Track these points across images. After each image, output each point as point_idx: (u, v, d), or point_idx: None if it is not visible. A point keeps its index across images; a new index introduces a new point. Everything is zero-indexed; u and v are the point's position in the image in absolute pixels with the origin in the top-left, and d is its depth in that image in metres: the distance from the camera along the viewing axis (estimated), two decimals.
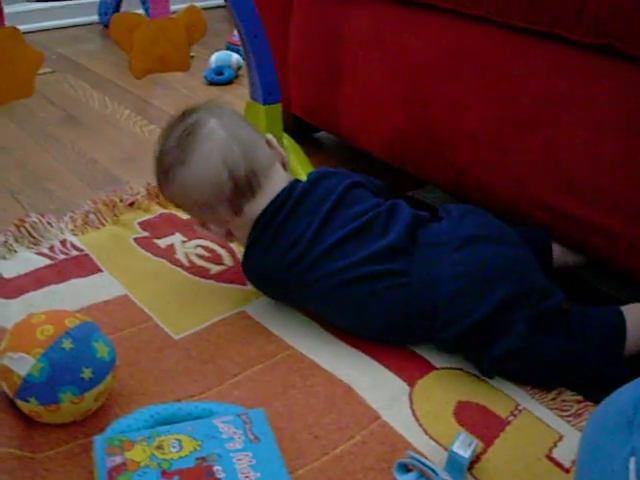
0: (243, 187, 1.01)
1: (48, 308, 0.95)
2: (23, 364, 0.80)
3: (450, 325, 0.95)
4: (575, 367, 0.94)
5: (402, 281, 0.97)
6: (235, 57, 2.21)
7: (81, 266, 1.19)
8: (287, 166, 1.11)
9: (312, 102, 1.55)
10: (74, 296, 1.11)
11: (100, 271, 1.18)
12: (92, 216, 1.32)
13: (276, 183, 1.05)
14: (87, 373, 0.82)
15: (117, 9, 2.70)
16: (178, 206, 1.10)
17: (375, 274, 0.98)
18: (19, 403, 0.83)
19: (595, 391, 0.92)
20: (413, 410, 0.91)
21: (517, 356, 0.94)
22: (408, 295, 0.97)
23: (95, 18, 2.87)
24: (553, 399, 0.94)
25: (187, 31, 1.21)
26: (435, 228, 1.03)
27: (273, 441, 0.80)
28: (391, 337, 1.03)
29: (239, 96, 1.99)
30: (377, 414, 0.90)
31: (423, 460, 0.80)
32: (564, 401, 0.93)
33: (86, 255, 1.23)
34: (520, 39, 1.07)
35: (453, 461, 0.80)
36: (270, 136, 1.10)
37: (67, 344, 0.82)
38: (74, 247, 1.25)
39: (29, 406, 0.82)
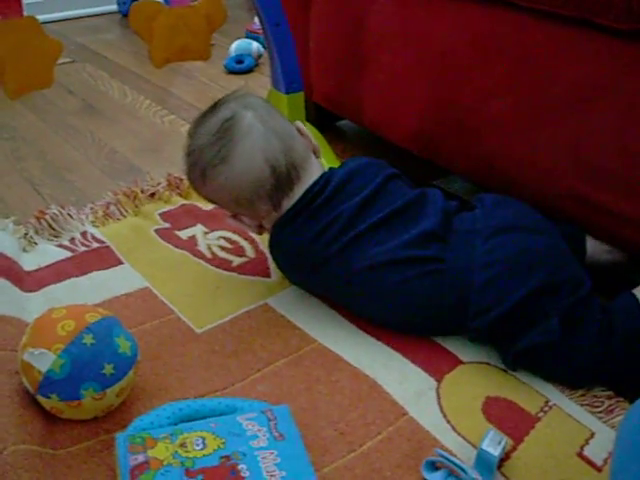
0: (283, 182, 1.01)
1: (69, 301, 0.95)
2: (44, 360, 0.79)
3: (483, 313, 0.93)
4: (603, 370, 0.92)
5: (436, 267, 0.96)
6: (255, 45, 2.18)
7: (102, 258, 1.18)
8: (318, 153, 1.10)
9: (334, 90, 1.52)
10: (95, 289, 1.10)
11: (121, 263, 1.17)
12: (113, 207, 1.31)
13: (312, 175, 1.04)
14: (108, 369, 0.81)
15: None
16: (212, 202, 1.08)
17: (410, 259, 0.97)
18: (40, 399, 0.82)
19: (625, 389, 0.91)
20: (441, 406, 0.89)
21: (545, 351, 0.92)
22: (441, 282, 0.96)
23: (114, 7, 2.85)
24: (583, 395, 0.92)
25: (207, 19, 1.19)
26: (469, 216, 1.03)
27: (298, 438, 0.78)
28: (420, 328, 1.01)
29: (260, 85, 1.97)
30: (404, 410, 0.88)
31: (452, 458, 0.78)
32: (595, 397, 0.91)
33: (107, 247, 1.21)
34: (550, 25, 1.04)
35: (482, 459, 0.79)
36: (300, 124, 1.09)
37: (88, 339, 0.81)
38: (95, 239, 1.23)
39: (50, 402, 0.81)
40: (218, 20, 1.21)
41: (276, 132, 1.01)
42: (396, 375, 0.94)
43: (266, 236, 1.09)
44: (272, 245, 1.07)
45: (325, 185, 1.02)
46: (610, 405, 0.89)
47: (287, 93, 1.33)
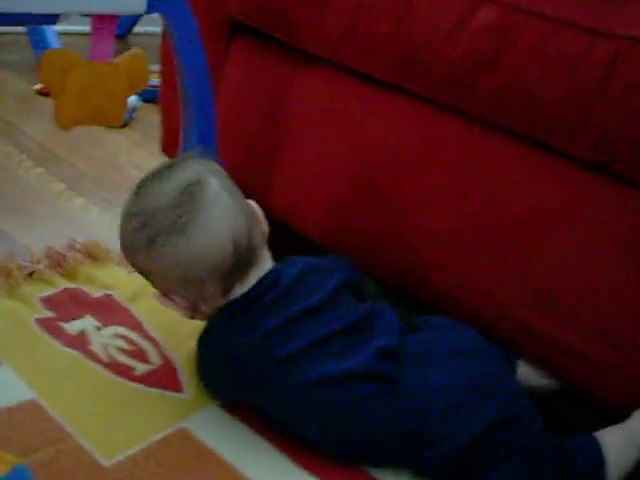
0: (241, 265, 0.89)
1: None
2: None
3: (439, 442, 0.86)
4: None
5: (389, 389, 0.89)
6: (132, 98, 1.99)
7: None
8: (267, 240, 0.98)
9: (240, 168, 1.38)
10: None
11: None
12: None
13: (265, 263, 0.94)
14: None
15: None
16: (145, 275, 0.92)
17: (366, 375, 0.89)
18: None
19: None
20: None
21: None
22: (396, 405, 0.88)
23: None
24: None
25: (128, 80, 1.02)
26: (418, 338, 0.98)
27: None
28: (365, 454, 0.92)
29: (135, 142, 1.78)
30: None
31: None
32: None
33: None
34: (507, 140, 0.98)
35: None
36: (255, 204, 0.98)
37: None
38: None
39: None
40: (140, 82, 1.04)
41: (242, 208, 0.91)
42: None
43: (172, 338, 0.93)
44: (209, 340, 0.92)
45: (278, 279, 0.92)
46: None
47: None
